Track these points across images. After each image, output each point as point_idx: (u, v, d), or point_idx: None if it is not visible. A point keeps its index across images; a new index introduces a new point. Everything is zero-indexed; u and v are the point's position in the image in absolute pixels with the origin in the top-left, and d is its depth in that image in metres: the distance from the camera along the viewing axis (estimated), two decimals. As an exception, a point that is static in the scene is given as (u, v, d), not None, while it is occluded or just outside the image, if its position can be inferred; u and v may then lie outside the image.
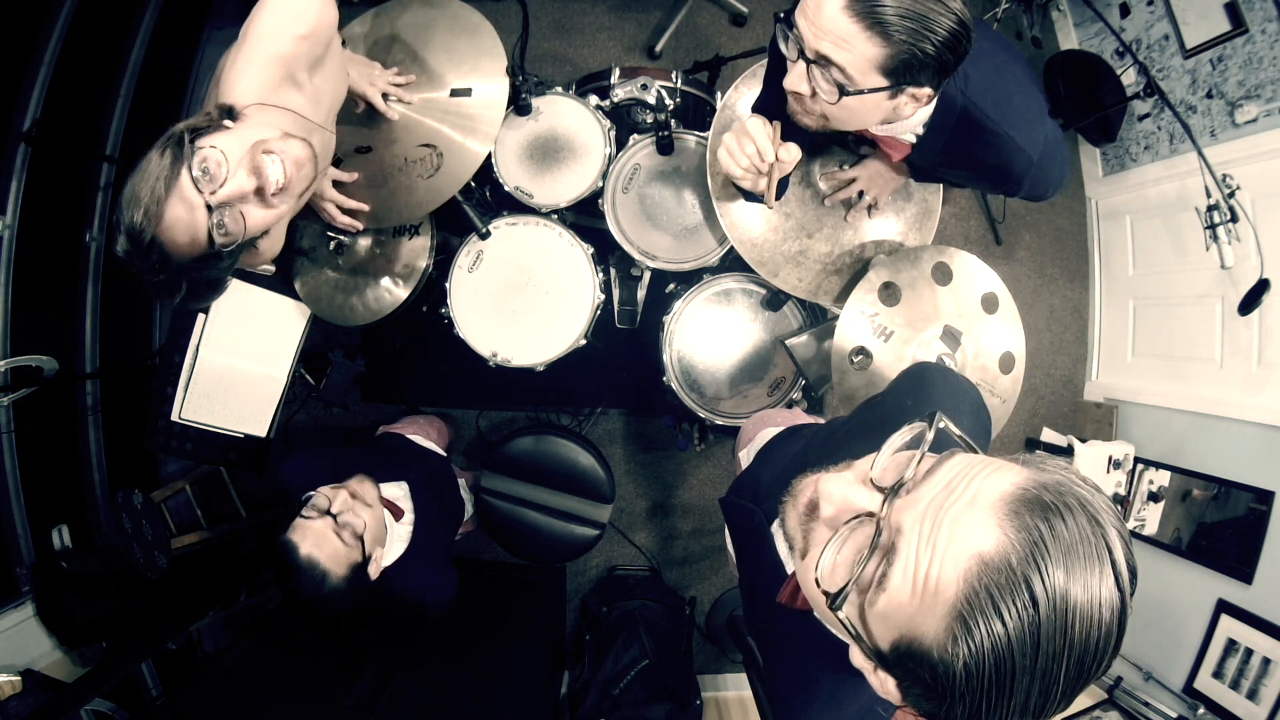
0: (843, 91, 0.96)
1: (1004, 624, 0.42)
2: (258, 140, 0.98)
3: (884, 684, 0.53)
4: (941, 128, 1.12)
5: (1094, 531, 0.43)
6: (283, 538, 1.25)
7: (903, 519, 0.48)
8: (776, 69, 1.22)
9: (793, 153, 1.21)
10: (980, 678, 0.43)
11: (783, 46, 1.02)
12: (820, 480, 0.55)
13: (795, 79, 1.01)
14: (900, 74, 0.93)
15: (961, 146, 1.13)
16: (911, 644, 0.47)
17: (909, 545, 0.47)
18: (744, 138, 1.19)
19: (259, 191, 0.98)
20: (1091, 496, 0.45)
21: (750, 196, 1.41)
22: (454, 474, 1.78)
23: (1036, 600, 0.42)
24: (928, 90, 0.97)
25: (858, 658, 0.54)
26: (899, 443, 0.55)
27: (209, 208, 0.94)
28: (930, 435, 0.53)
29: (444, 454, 1.79)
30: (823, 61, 0.95)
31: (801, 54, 0.97)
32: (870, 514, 0.51)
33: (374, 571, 1.32)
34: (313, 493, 1.31)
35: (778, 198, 1.35)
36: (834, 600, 0.49)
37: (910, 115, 1.05)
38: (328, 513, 1.26)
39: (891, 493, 0.51)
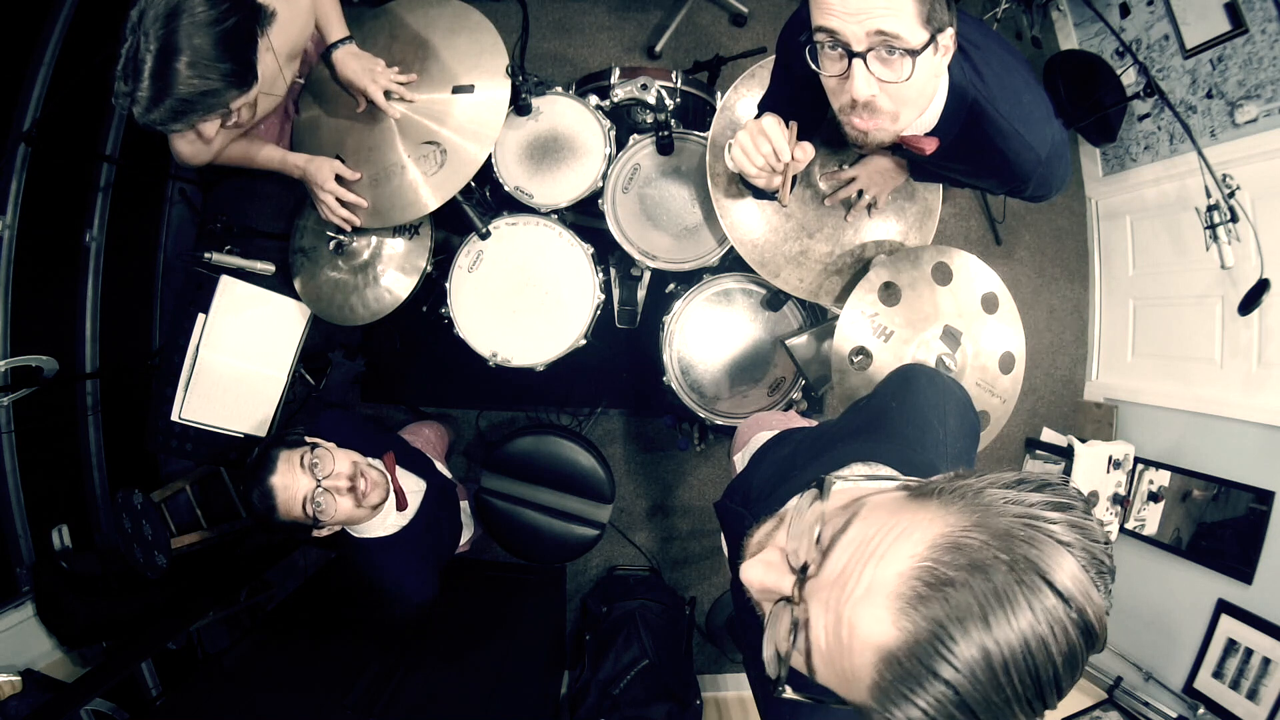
0: (913, 56, 0.92)
1: (923, 710, 0.40)
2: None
3: None
4: (954, 118, 1.11)
5: (1018, 575, 0.40)
6: (274, 451, 1.27)
7: (811, 610, 0.47)
8: (787, 78, 1.19)
9: (808, 151, 1.19)
10: None
11: (818, 65, 0.98)
12: (743, 568, 0.53)
13: (862, 85, 0.95)
14: (932, 14, 0.91)
15: (972, 140, 1.13)
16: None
17: (817, 637, 0.46)
18: (759, 137, 1.17)
19: None
20: (1022, 527, 0.42)
21: (759, 194, 1.40)
22: (458, 496, 1.79)
23: (952, 683, 0.39)
24: (950, 31, 0.95)
25: None
26: (804, 508, 0.52)
27: None
28: (824, 504, 0.50)
29: (450, 475, 1.80)
30: (879, 40, 0.90)
31: (850, 55, 0.93)
32: (786, 599, 0.49)
33: (320, 533, 1.33)
34: (326, 446, 1.32)
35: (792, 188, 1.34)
36: (774, 687, 0.49)
37: (941, 74, 1.03)
38: (317, 479, 1.27)
39: (800, 575, 0.48)
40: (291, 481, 1.25)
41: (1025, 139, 1.11)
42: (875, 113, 1.01)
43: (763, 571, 0.52)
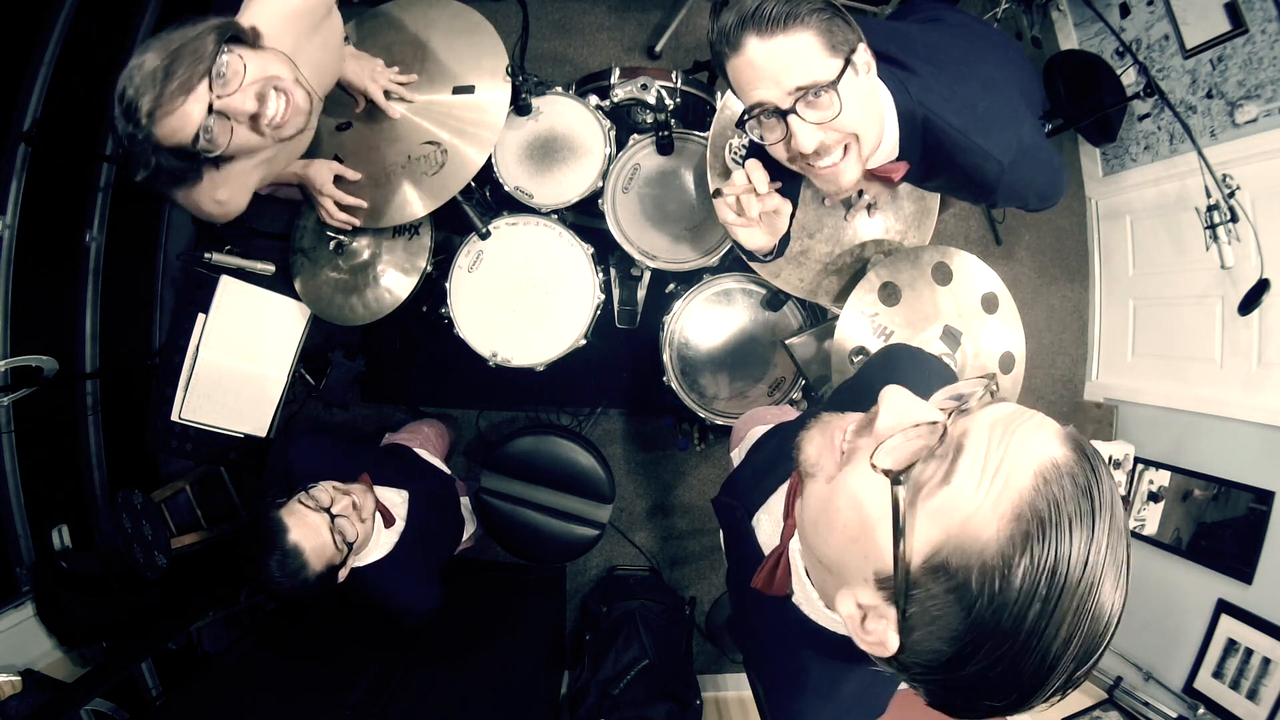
0: (834, 87, 0.95)
1: (1071, 526, 0.44)
2: (273, 75, 1.04)
3: (876, 633, 0.52)
4: (913, 140, 1.11)
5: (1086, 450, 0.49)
6: (274, 515, 1.23)
7: (970, 425, 0.50)
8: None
9: (785, 207, 1.18)
10: (1033, 592, 0.43)
11: (760, 136, 1.02)
12: (885, 392, 0.56)
13: (806, 138, 0.98)
14: (834, 41, 0.94)
15: (936, 157, 1.13)
16: (957, 549, 0.47)
17: (978, 444, 0.48)
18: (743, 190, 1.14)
19: (254, 118, 1.04)
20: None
21: (751, 257, 1.39)
22: (457, 493, 1.78)
23: (1095, 503, 0.45)
24: (862, 47, 0.98)
25: (852, 600, 0.54)
26: (949, 391, 0.57)
27: (210, 108, 1.00)
28: (995, 385, 0.56)
29: (449, 472, 1.80)
30: (800, 93, 0.94)
31: (782, 114, 0.97)
32: (933, 422, 0.52)
33: (342, 575, 1.32)
34: (317, 484, 1.30)
35: (779, 255, 1.34)
36: (899, 475, 0.50)
37: (878, 91, 1.05)
38: (327, 510, 1.26)
39: (957, 412, 0.53)
40: (308, 530, 1.23)
41: (983, 148, 1.09)
42: (831, 172, 1.04)
43: (910, 398, 0.56)
